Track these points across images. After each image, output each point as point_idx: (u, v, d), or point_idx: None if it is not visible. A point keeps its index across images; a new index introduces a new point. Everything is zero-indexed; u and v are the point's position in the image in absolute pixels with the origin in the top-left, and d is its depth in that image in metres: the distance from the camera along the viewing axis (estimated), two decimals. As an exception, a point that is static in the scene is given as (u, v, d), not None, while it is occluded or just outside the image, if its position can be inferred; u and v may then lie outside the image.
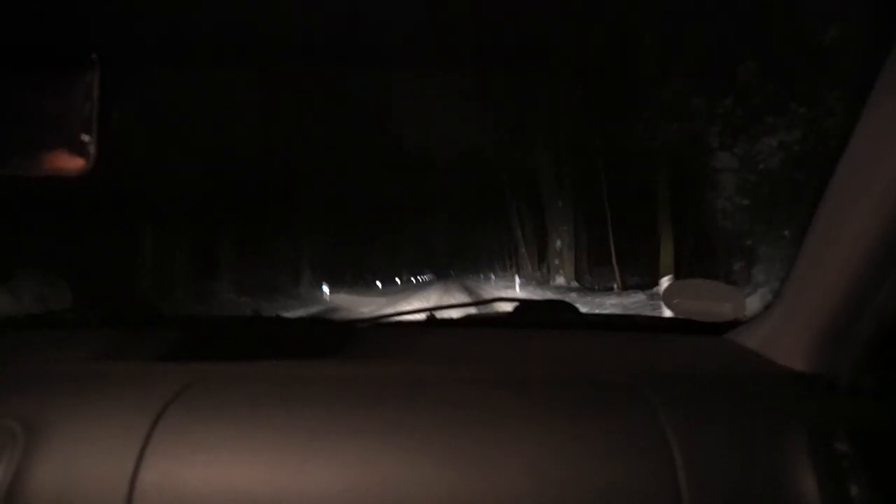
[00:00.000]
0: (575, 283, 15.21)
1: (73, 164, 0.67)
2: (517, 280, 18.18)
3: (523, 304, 1.08)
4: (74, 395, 0.68)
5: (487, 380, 0.71)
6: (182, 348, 0.86)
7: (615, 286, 13.14)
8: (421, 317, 1.10)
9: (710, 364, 0.82)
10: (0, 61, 0.68)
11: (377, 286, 24.76)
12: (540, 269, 19.46)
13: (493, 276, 30.07)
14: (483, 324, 1.08)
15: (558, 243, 15.99)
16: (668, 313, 1.00)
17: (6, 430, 0.62)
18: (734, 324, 0.89)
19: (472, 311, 1.14)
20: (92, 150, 0.66)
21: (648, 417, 0.64)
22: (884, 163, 0.59)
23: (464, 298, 5.42)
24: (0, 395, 0.68)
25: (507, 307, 1.08)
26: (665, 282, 6.79)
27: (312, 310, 9.77)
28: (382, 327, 1.05)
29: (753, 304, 0.95)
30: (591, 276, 15.95)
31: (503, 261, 28.72)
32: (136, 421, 0.63)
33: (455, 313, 1.15)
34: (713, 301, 0.90)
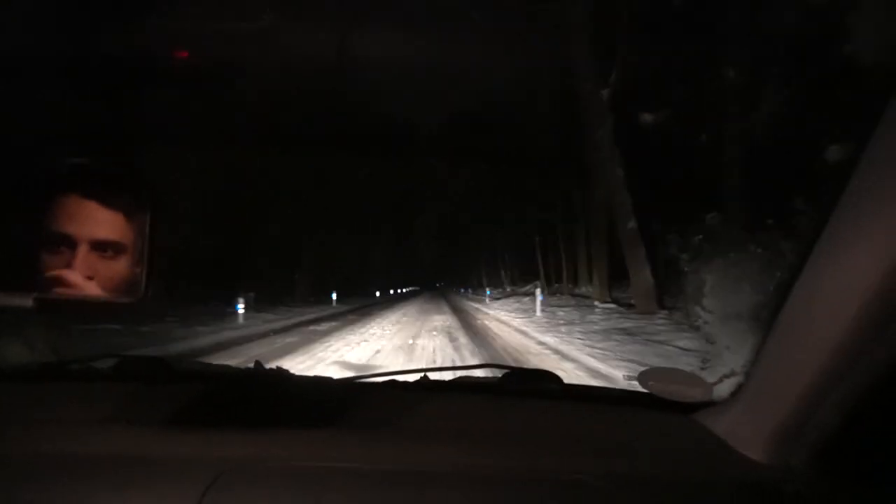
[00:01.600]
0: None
1: (130, 295, 0.73)
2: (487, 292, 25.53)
3: (512, 372, 1.15)
4: (116, 490, 0.70)
5: (469, 474, 0.77)
6: (198, 415, 0.91)
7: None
8: (416, 377, 1.17)
9: (675, 447, 0.89)
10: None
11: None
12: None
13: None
14: (472, 389, 1.14)
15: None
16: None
17: None
18: (700, 405, 0.97)
19: (463, 373, 1.21)
20: (143, 280, 0.72)
21: None
22: (854, 256, 0.62)
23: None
24: (47, 491, 0.70)
25: (497, 372, 1.15)
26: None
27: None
28: (379, 388, 1.11)
29: (722, 388, 1.04)
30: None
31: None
32: None
33: (447, 375, 1.21)
34: (684, 386, 0.99)
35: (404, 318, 12.80)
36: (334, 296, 19.63)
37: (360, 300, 22.92)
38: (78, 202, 0.74)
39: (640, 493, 0.73)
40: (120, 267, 0.74)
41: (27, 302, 0.62)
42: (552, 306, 13.49)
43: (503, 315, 13.49)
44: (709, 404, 0.96)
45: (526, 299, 16.82)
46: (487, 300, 21.52)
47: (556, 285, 20.15)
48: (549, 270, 21.32)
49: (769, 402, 0.77)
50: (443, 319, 12.19)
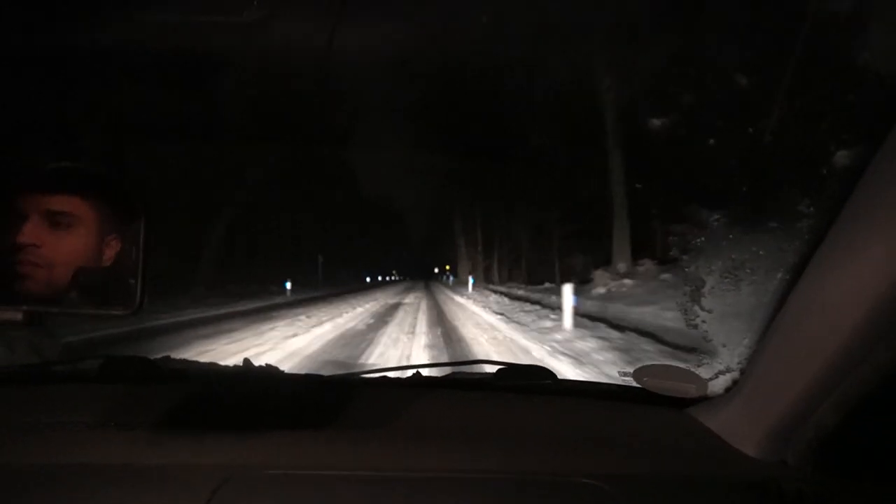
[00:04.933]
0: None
1: (122, 306, 0.70)
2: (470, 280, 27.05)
3: (506, 368, 1.14)
4: (115, 499, 0.70)
5: (466, 477, 0.77)
6: (191, 418, 0.90)
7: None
8: (408, 374, 1.17)
9: (670, 443, 0.89)
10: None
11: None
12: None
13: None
14: (466, 386, 1.14)
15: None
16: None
17: None
18: (695, 401, 0.97)
19: (457, 369, 1.21)
20: (138, 291, 0.69)
21: None
22: (858, 259, 0.62)
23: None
24: (38, 501, 0.69)
25: (491, 369, 1.14)
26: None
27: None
28: (371, 386, 1.12)
29: (717, 384, 1.04)
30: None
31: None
32: None
33: (441, 371, 1.21)
34: (679, 381, 0.99)
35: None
36: (288, 285, 18.39)
37: (326, 290, 22.61)
38: (59, 203, 0.71)
39: (635, 489, 0.74)
40: (73, 242, 0.71)
41: (17, 316, 0.60)
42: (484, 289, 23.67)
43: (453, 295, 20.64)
44: (703, 400, 0.97)
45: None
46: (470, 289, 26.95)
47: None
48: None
49: (767, 399, 0.78)
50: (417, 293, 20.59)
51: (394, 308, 12.97)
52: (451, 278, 30.20)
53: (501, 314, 10.81)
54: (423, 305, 14.34)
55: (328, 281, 29.69)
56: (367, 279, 41.83)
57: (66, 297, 0.71)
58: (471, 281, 26.19)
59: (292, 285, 18.53)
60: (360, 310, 12.14)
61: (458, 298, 17.90)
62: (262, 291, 16.59)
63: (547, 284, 18.72)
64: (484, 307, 13.15)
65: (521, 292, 18.30)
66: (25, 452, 0.79)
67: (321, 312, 11.08)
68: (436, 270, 69.29)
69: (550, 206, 18.99)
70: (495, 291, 21.02)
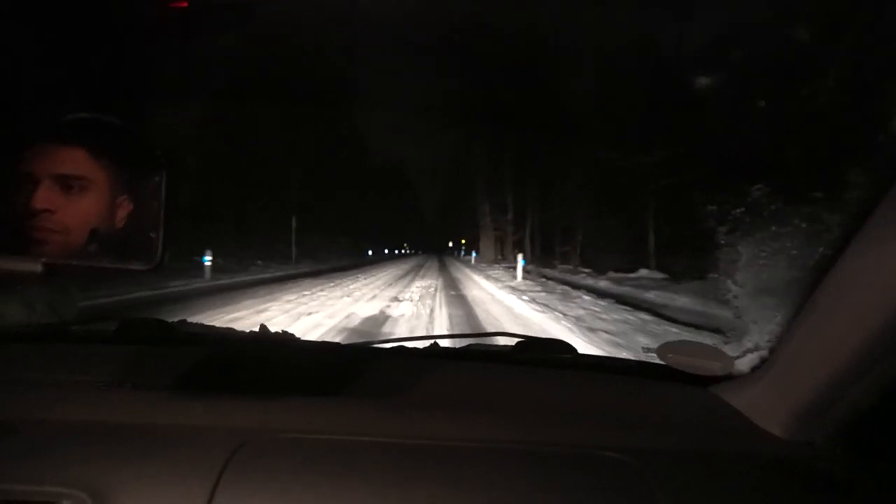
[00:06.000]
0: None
1: (143, 261, 0.70)
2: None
3: (525, 341, 1.13)
4: (133, 460, 0.70)
5: (484, 446, 0.75)
6: (207, 381, 0.90)
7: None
8: (425, 344, 1.16)
9: (694, 420, 0.87)
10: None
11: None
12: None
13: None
14: (484, 357, 1.13)
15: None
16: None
17: (80, 503, 0.64)
18: (720, 379, 0.94)
19: (475, 341, 1.19)
20: (160, 246, 0.68)
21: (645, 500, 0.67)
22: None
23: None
24: (65, 462, 0.69)
25: (510, 341, 1.13)
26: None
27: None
28: (387, 355, 1.10)
29: (743, 362, 1.01)
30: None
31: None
32: (196, 488, 0.65)
33: (458, 343, 1.20)
34: (704, 359, 0.95)
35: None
36: (208, 260, 12.70)
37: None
38: (78, 156, 0.71)
39: (657, 465, 0.72)
40: (86, 204, 0.71)
41: (36, 267, 0.60)
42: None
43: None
44: (728, 379, 0.93)
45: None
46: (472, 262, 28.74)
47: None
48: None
49: (797, 378, 0.75)
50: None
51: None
52: (473, 255, 26.88)
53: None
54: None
55: (313, 256, 25.44)
56: (370, 253, 35.19)
57: (86, 250, 0.72)
58: (520, 265, 16.02)
59: (261, 261, 16.07)
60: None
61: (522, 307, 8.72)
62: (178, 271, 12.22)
63: (643, 272, 13.32)
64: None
65: (624, 289, 11.56)
66: (42, 408, 0.81)
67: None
68: (450, 244, 65.24)
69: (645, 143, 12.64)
70: (572, 285, 12.90)
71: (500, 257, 32.30)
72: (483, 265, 26.78)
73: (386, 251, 48.66)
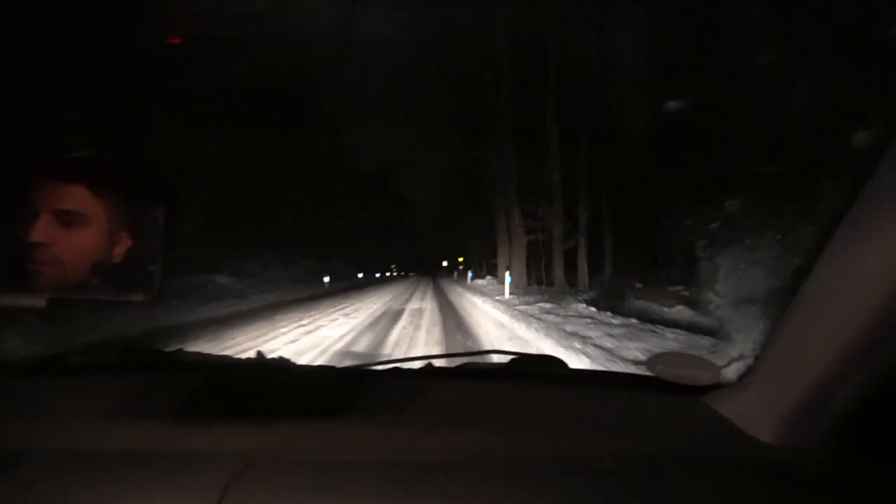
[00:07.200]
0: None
1: (142, 292, 0.71)
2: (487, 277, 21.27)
3: (518, 358, 1.14)
4: (138, 486, 0.70)
5: (480, 462, 0.76)
6: (208, 407, 0.91)
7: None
8: (420, 364, 1.18)
9: (684, 429, 0.89)
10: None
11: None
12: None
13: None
14: (478, 376, 1.14)
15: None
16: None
17: None
18: (709, 388, 0.96)
19: (469, 360, 1.20)
20: (158, 278, 0.70)
21: None
22: (878, 241, 0.61)
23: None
24: (71, 490, 0.69)
25: (503, 359, 1.14)
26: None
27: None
28: (383, 376, 1.12)
29: (729, 371, 1.03)
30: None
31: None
32: None
33: (452, 362, 1.21)
34: (692, 369, 0.98)
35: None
36: None
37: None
38: (80, 192, 0.72)
39: (650, 475, 0.73)
40: (84, 239, 0.72)
41: (40, 303, 0.61)
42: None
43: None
44: (717, 387, 0.96)
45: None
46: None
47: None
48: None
49: (783, 385, 0.77)
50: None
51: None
52: (487, 278, 20.69)
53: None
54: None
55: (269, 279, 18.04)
56: (326, 280, 22.51)
57: (88, 284, 0.72)
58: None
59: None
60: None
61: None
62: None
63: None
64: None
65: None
66: (46, 438, 0.81)
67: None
68: (444, 263, 53.33)
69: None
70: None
71: (545, 278, 17.54)
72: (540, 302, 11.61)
73: (360, 275, 36.96)
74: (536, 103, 15.98)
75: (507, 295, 14.07)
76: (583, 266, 15.97)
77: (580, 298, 11.41)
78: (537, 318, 8.60)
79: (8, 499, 0.66)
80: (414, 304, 12.01)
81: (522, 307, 10.74)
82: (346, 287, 21.10)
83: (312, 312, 9.88)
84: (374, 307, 11.28)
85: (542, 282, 17.53)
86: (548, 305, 10.66)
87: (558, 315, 8.94)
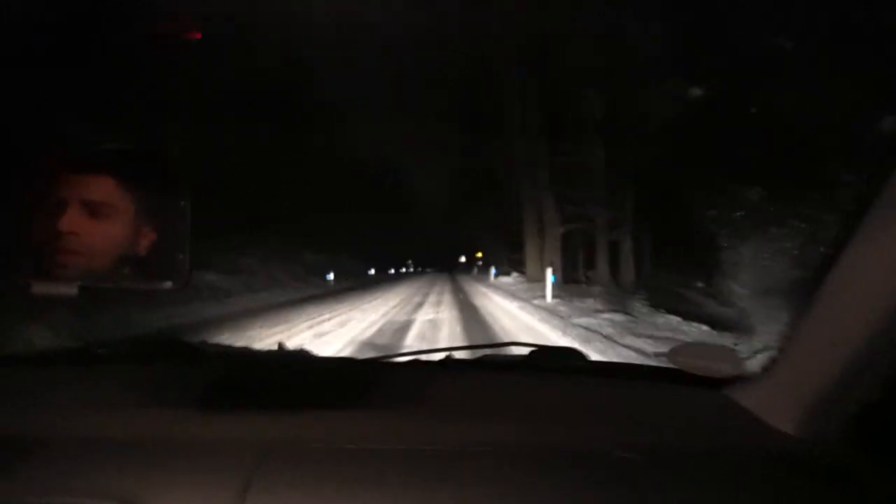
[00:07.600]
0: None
1: (172, 280, 0.74)
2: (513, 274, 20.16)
3: (538, 350, 1.15)
4: (163, 473, 0.72)
5: (499, 451, 0.77)
6: (231, 397, 0.92)
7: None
8: (439, 356, 1.19)
9: (705, 421, 0.88)
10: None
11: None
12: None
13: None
14: (498, 367, 1.15)
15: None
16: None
17: None
18: (731, 380, 0.95)
19: (489, 352, 1.21)
20: (186, 266, 0.72)
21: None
22: None
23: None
24: (98, 476, 0.71)
25: (522, 351, 1.15)
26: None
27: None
28: (403, 368, 1.13)
29: (751, 363, 1.02)
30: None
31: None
32: (225, 498, 0.67)
33: (472, 354, 1.22)
34: (714, 360, 0.97)
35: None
36: None
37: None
38: (110, 183, 0.74)
39: (671, 466, 0.73)
40: (113, 229, 0.74)
41: (72, 290, 0.63)
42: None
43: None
44: (739, 379, 0.95)
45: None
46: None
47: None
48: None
49: (805, 377, 0.76)
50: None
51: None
52: (513, 275, 19.39)
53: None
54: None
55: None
56: (330, 277, 21.36)
57: (118, 273, 0.75)
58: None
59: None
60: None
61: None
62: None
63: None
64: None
65: None
66: (74, 426, 0.83)
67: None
68: (462, 259, 52.10)
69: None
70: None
71: (584, 276, 15.47)
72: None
73: (371, 271, 36.26)
74: (569, 78, 13.31)
75: (548, 299, 10.74)
76: (628, 261, 13.32)
77: (645, 304, 8.89)
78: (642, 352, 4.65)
79: (36, 485, 0.69)
80: (427, 314, 8.97)
81: (582, 319, 7.24)
82: (350, 287, 18.66)
83: (281, 326, 7.14)
84: (372, 318, 8.37)
85: (579, 280, 14.77)
86: (620, 318, 7.07)
87: (653, 338, 5.30)
